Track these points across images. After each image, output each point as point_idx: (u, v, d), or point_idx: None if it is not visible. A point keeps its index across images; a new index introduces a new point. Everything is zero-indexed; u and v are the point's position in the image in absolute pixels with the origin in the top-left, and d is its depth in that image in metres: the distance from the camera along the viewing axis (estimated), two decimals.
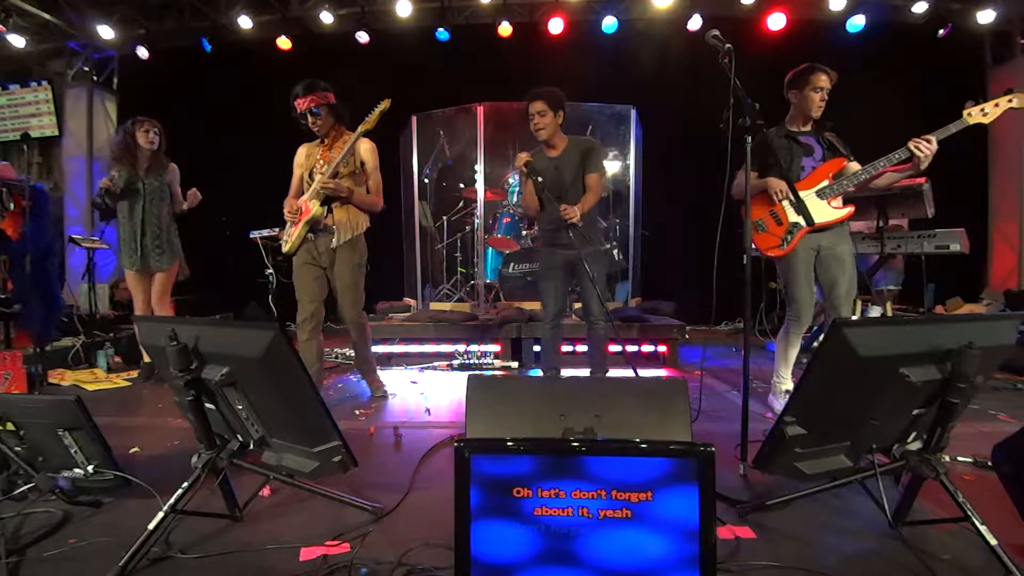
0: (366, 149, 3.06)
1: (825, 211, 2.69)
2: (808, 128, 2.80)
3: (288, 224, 3.05)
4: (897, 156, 2.48)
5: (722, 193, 2.37)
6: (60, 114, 6.43)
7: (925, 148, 2.38)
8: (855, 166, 2.69)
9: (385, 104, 2.93)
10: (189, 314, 5.67)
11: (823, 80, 2.67)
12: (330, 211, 2.98)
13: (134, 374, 3.90)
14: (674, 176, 6.02)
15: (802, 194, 2.70)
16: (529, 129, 3.03)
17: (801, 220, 2.71)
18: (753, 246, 2.64)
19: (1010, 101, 2.36)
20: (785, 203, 2.72)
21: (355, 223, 3.03)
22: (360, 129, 2.93)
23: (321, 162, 3.02)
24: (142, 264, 3.53)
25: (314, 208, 2.92)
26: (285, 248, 3.05)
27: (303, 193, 3.05)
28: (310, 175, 3.04)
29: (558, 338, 3.26)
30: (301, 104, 2.93)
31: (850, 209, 2.72)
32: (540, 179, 2.93)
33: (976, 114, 2.40)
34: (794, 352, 2.90)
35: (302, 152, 3.13)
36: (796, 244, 2.74)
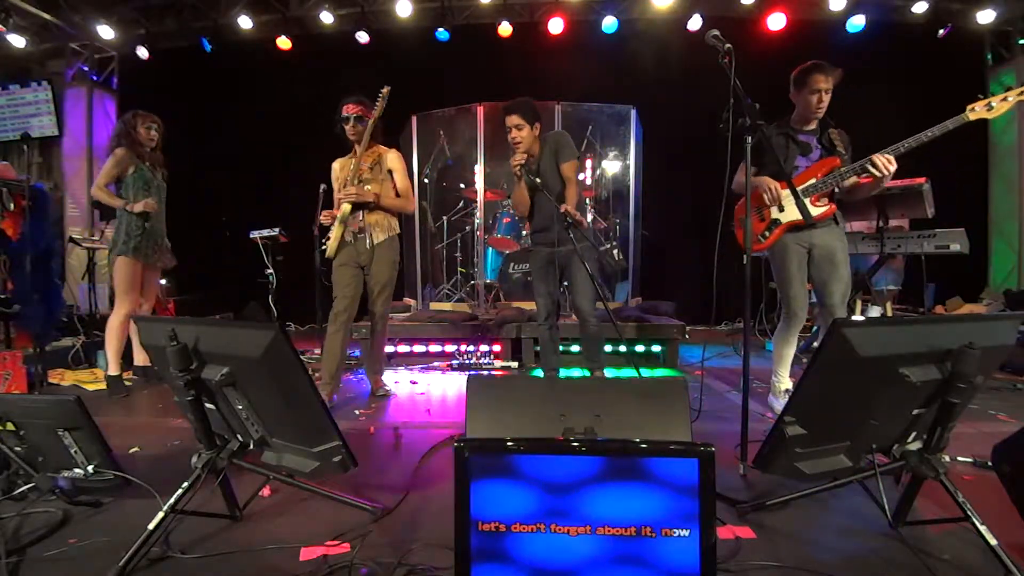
0: (393, 158, 3.19)
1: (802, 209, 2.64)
2: (811, 127, 2.76)
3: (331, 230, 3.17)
4: (861, 166, 2.51)
5: (722, 193, 2.37)
6: (60, 114, 6.42)
7: (883, 168, 2.44)
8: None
9: (385, 91, 2.97)
10: (189, 314, 5.67)
11: (821, 81, 2.62)
12: (361, 213, 3.10)
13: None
14: (674, 176, 6.02)
15: (786, 192, 2.68)
16: None
17: (780, 217, 2.72)
18: (739, 241, 2.64)
19: (1021, 94, 2.29)
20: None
21: (390, 224, 3.18)
22: (372, 120, 3.00)
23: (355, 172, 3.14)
24: (154, 257, 3.55)
25: (344, 208, 3.04)
26: (328, 253, 3.16)
27: None
28: (344, 185, 3.14)
29: (555, 338, 3.27)
30: (349, 109, 3.06)
31: (828, 208, 2.68)
32: (538, 179, 2.94)
33: (980, 109, 2.35)
34: (791, 350, 2.89)
35: (336, 166, 3.26)
36: (775, 240, 2.74)
